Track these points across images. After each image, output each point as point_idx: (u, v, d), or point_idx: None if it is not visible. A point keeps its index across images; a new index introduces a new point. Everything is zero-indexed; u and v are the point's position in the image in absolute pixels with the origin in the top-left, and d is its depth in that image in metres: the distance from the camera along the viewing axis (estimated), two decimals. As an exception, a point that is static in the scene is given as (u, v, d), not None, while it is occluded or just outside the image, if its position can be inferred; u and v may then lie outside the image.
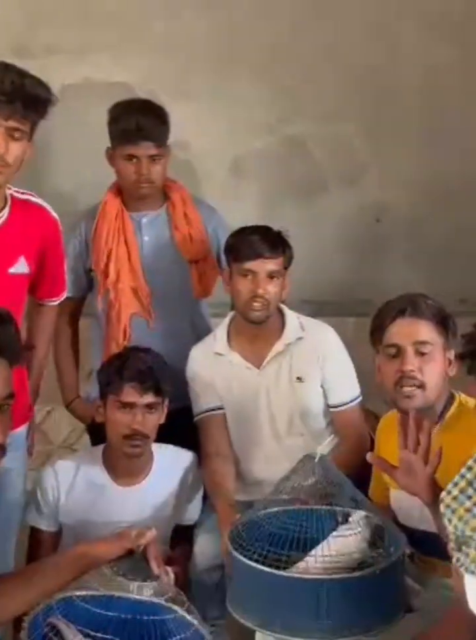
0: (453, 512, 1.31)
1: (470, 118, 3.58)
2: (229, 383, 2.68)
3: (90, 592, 1.71)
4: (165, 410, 2.49)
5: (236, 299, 2.65)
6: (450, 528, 1.31)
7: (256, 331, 2.66)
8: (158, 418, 2.47)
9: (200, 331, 2.88)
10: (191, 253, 2.85)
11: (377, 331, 2.21)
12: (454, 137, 3.58)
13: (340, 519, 1.94)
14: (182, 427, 2.64)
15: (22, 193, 2.36)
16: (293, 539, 1.87)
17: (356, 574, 1.81)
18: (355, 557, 1.86)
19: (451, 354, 2.18)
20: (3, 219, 2.30)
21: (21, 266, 2.34)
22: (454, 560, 1.31)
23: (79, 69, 3.47)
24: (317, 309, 3.27)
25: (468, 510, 1.30)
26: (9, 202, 2.31)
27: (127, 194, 2.83)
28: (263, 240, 2.59)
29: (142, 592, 1.71)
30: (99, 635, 1.69)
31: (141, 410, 2.42)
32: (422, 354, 2.15)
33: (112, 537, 1.87)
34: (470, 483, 1.32)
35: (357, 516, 1.93)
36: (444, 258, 3.63)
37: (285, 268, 2.65)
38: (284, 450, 2.60)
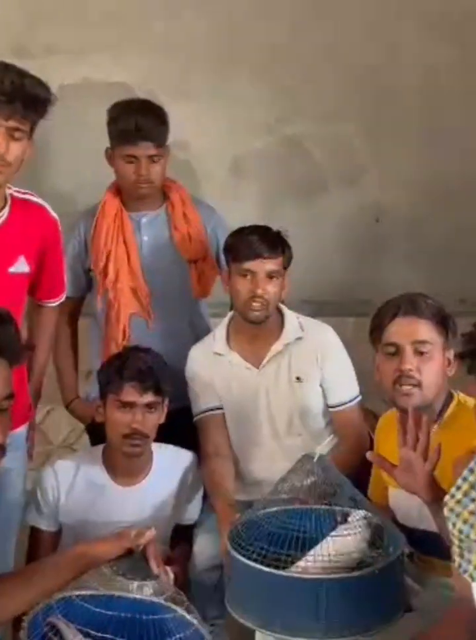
0: (458, 515, 1.31)
1: (470, 118, 3.58)
2: (228, 383, 2.68)
3: (89, 592, 1.71)
4: (165, 410, 2.49)
5: (235, 299, 2.65)
6: (454, 532, 1.31)
7: (256, 331, 2.66)
8: (158, 417, 2.47)
9: (199, 331, 2.88)
10: (190, 253, 2.85)
11: (377, 330, 2.22)
12: (454, 137, 3.58)
13: (339, 519, 1.94)
14: (182, 427, 2.64)
15: (22, 192, 2.37)
16: (293, 538, 1.87)
17: (355, 573, 1.81)
18: (354, 557, 1.86)
19: (451, 354, 2.18)
20: (3, 218, 2.30)
21: (21, 266, 2.34)
22: (456, 565, 1.31)
23: (78, 69, 3.47)
24: (316, 309, 3.27)
25: (472, 513, 1.30)
26: (9, 202, 2.32)
27: (127, 194, 2.83)
28: (262, 240, 2.59)
29: (142, 591, 1.71)
30: (99, 634, 1.69)
31: (141, 409, 2.42)
32: (421, 353, 2.16)
33: (112, 537, 1.88)
34: (473, 486, 1.32)
35: (357, 515, 1.93)
36: (444, 258, 3.63)
37: (285, 268, 2.64)
38: (284, 450, 2.61)
